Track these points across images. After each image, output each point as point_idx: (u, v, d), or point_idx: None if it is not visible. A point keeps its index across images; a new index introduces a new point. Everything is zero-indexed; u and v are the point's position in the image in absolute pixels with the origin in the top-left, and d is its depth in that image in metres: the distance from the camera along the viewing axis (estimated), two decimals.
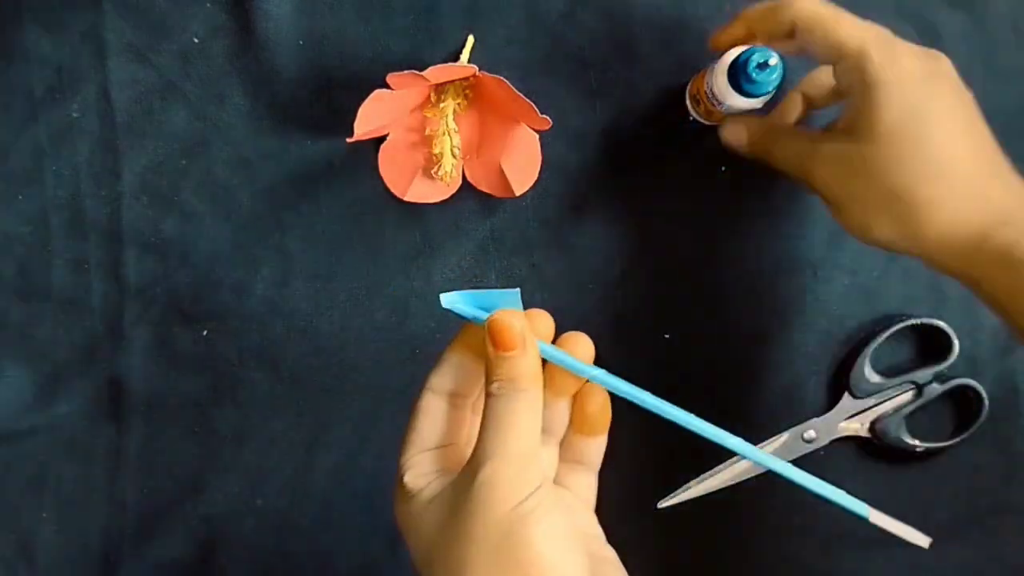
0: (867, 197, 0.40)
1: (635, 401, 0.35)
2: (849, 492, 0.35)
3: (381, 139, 0.50)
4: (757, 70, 0.44)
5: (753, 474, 0.51)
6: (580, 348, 0.35)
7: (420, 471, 0.34)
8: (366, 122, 0.47)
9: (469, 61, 0.51)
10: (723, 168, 0.53)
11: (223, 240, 0.52)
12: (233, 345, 0.52)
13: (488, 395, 0.32)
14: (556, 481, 0.37)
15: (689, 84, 0.51)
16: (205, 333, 0.52)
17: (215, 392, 0.52)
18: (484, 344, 0.33)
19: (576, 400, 0.36)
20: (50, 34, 0.52)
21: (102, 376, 0.52)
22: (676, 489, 0.52)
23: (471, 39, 0.52)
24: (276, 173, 0.52)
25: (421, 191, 0.51)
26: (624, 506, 0.52)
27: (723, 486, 0.51)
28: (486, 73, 0.46)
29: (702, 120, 0.51)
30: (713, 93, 0.47)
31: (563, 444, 0.37)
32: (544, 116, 0.46)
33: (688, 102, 0.51)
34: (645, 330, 0.52)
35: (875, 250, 0.54)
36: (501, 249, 0.52)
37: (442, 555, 0.31)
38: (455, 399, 0.35)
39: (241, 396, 0.52)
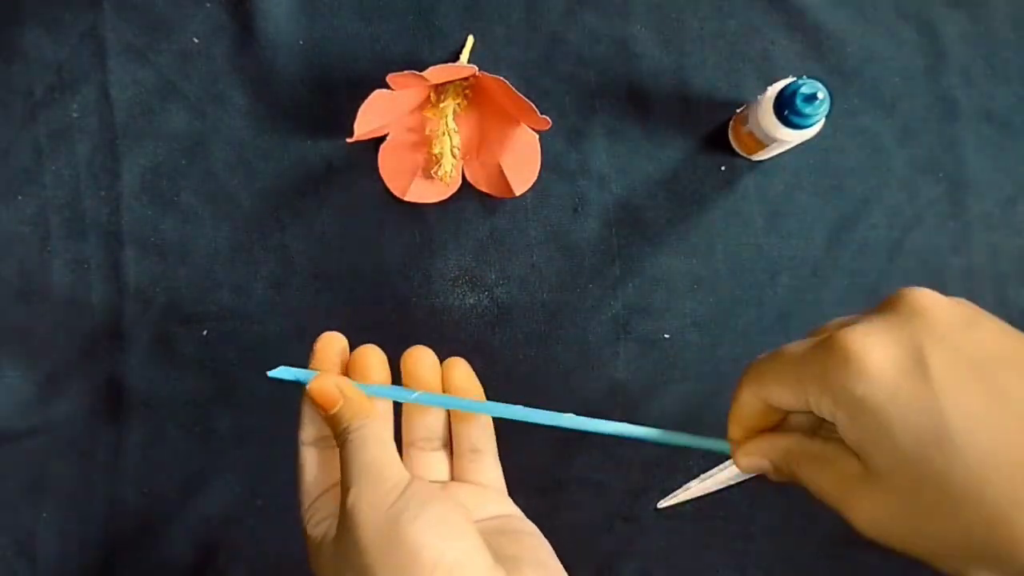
0: (947, 541, 0.29)
1: (459, 408, 0.37)
2: None
3: (381, 139, 0.50)
4: (805, 103, 0.44)
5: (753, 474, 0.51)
6: (373, 361, 0.37)
7: (318, 518, 0.35)
8: (366, 122, 0.47)
9: (469, 61, 0.51)
10: (723, 168, 0.53)
11: (223, 240, 0.52)
12: (233, 345, 0.52)
13: (338, 445, 0.35)
14: (459, 477, 0.38)
15: (732, 119, 0.51)
16: (205, 333, 0.52)
17: (215, 392, 0.52)
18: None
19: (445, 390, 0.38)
20: (50, 34, 0.52)
21: (102, 376, 0.51)
22: (676, 489, 0.52)
23: (471, 39, 0.52)
24: (276, 173, 0.52)
25: (421, 191, 0.51)
26: (624, 506, 0.52)
27: (723, 486, 0.51)
28: (486, 73, 0.46)
29: (746, 155, 0.51)
30: (761, 127, 0.47)
31: (453, 440, 0.38)
32: (544, 116, 0.46)
33: (731, 135, 0.52)
34: (645, 330, 0.52)
35: (875, 250, 0.54)
36: (501, 249, 0.52)
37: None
38: (323, 442, 0.37)
39: (241, 396, 0.52)
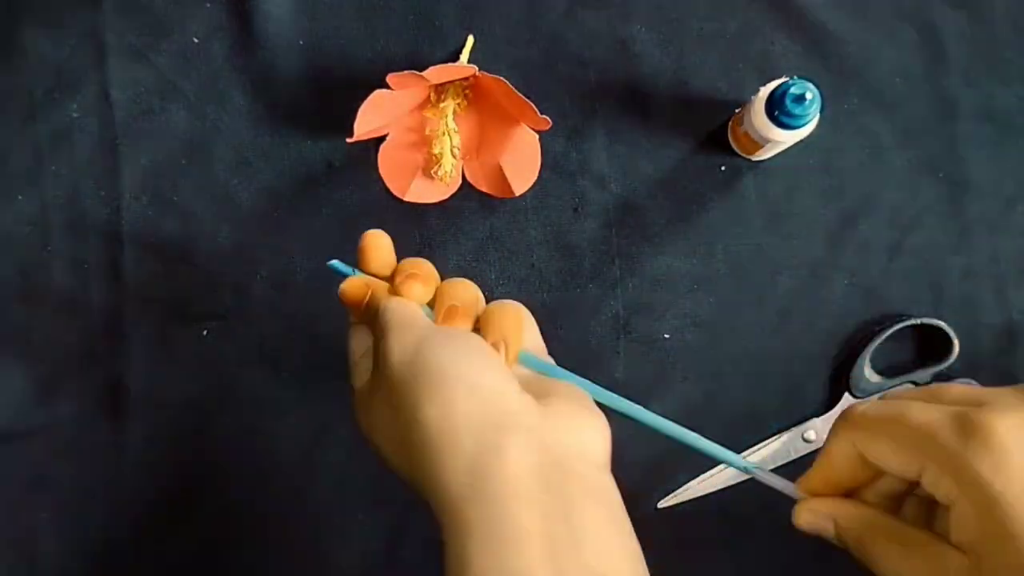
0: None
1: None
2: None
3: (381, 139, 0.50)
4: (794, 103, 0.44)
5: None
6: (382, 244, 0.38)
7: (359, 372, 0.37)
8: (366, 122, 0.47)
9: (469, 61, 0.51)
10: (722, 168, 0.53)
11: (223, 240, 0.52)
12: (233, 345, 0.52)
13: (376, 326, 0.35)
14: None
15: (731, 120, 0.51)
16: (205, 333, 0.52)
17: (215, 392, 0.52)
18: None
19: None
20: (50, 34, 0.52)
21: (102, 376, 0.51)
22: (676, 489, 0.52)
23: (471, 39, 0.52)
24: (276, 173, 0.52)
25: (421, 191, 0.51)
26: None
27: (723, 486, 0.51)
28: (486, 73, 0.46)
29: (745, 155, 0.51)
30: (754, 127, 0.47)
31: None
32: (544, 116, 0.46)
33: (730, 135, 0.52)
34: (645, 330, 0.52)
35: (875, 250, 0.54)
36: (501, 249, 0.52)
37: (390, 414, 0.32)
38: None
39: (241, 396, 0.52)
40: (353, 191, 0.52)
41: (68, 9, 0.52)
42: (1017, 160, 0.54)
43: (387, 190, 0.51)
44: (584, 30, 0.53)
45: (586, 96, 0.53)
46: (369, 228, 0.53)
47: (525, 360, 0.35)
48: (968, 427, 0.27)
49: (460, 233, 0.52)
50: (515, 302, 0.36)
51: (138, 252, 0.52)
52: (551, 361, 0.36)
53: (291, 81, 0.52)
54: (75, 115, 0.52)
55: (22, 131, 0.52)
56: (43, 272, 0.52)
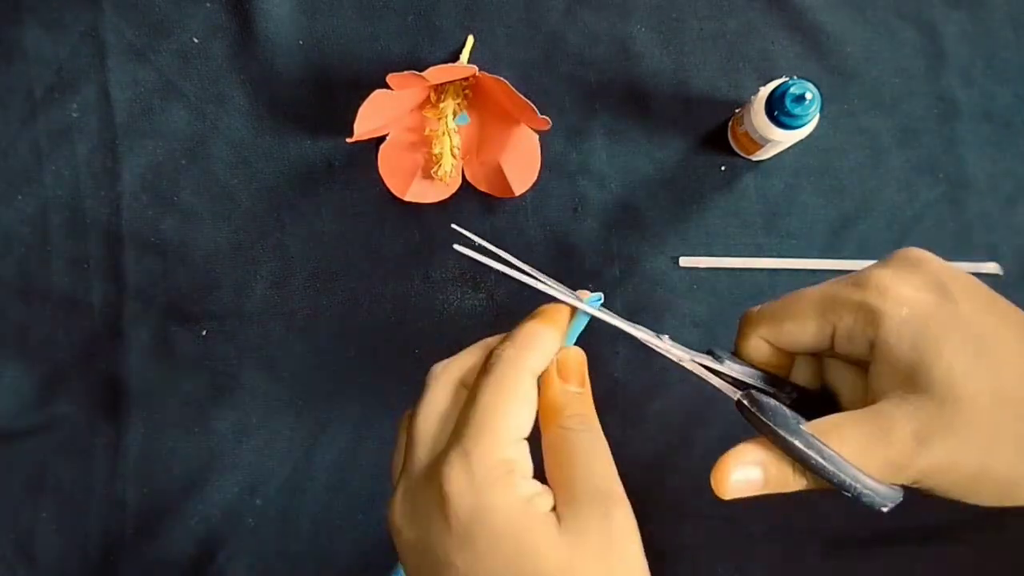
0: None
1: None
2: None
3: (381, 139, 0.50)
4: (794, 103, 0.44)
5: None
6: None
7: (428, 445, 0.33)
8: (366, 122, 0.47)
9: (469, 61, 0.51)
10: (722, 167, 0.53)
11: (223, 240, 0.52)
12: (233, 345, 0.52)
13: (562, 428, 0.32)
14: None
15: (731, 119, 0.52)
16: (204, 333, 0.52)
17: (215, 392, 0.52)
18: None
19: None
20: (50, 34, 0.52)
21: (102, 376, 0.51)
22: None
23: (471, 39, 0.52)
24: (276, 173, 0.52)
25: (421, 191, 0.51)
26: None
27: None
28: (486, 73, 0.46)
29: (745, 155, 0.52)
30: (754, 127, 0.47)
31: None
32: (544, 116, 0.46)
33: (730, 135, 0.52)
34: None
35: (875, 250, 0.54)
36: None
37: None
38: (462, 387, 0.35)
39: (241, 396, 0.52)
40: (353, 191, 0.52)
41: (68, 9, 0.52)
42: (1017, 160, 0.54)
43: (387, 190, 0.51)
44: (584, 30, 0.53)
45: (586, 96, 0.53)
46: (369, 228, 0.53)
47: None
48: (861, 281, 0.33)
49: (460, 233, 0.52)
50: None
51: (138, 252, 0.52)
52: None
53: (291, 81, 0.52)
54: (75, 115, 0.52)
55: (22, 131, 0.52)
56: (43, 272, 0.52)
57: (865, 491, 0.31)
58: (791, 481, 0.34)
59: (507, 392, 0.31)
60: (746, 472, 0.33)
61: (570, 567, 0.29)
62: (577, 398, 0.33)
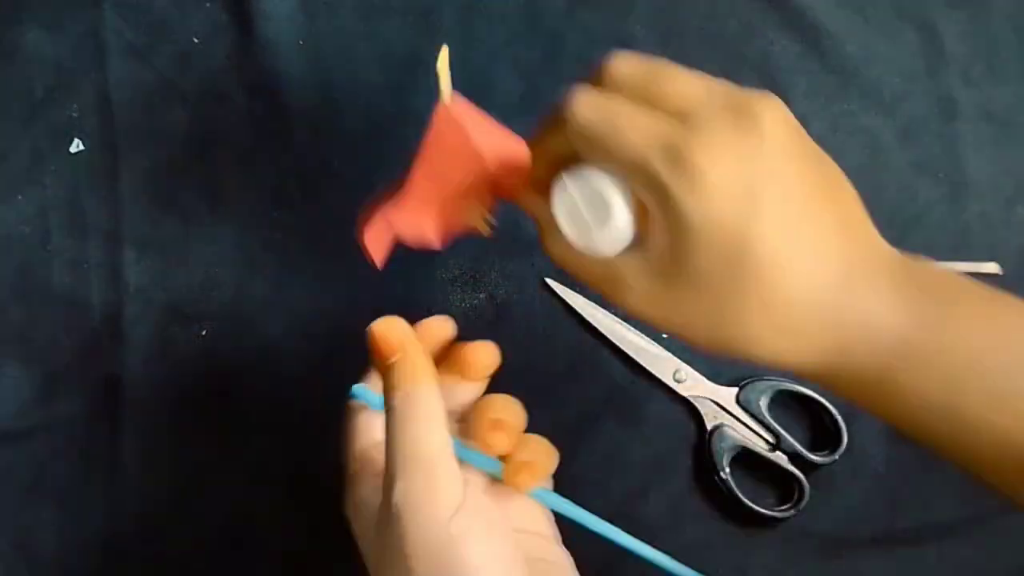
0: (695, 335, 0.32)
1: (576, 519, 0.36)
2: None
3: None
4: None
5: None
6: (481, 355, 0.36)
7: (372, 470, 0.34)
8: (378, 248, 0.40)
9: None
10: None
11: (223, 240, 0.52)
12: (233, 345, 0.52)
13: (386, 410, 0.32)
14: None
15: None
16: (204, 333, 0.52)
17: (215, 392, 0.52)
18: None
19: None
20: (50, 34, 0.52)
21: (102, 376, 0.51)
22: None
23: (444, 51, 0.37)
24: (276, 173, 0.52)
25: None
26: (624, 506, 0.52)
27: None
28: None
29: None
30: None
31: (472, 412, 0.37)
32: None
33: None
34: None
35: None
36: (501, 249, 0.52)
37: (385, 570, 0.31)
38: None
39: (241, 396, 0.52)
40: (353, 191, 0.52)
41: (68, 9, 0.52)
42: (1017, 160, 0.54)
43: (387, 190, 0.51)
44: (584, 30, 0.53)
45: None
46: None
47: (540, 496, 0.35)
48: (677, 159, 0.29)
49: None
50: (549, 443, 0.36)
51: (138, 252, 0.52)
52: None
53: (291, 81, 0.52)
54: (75, 115, 0.52)
55: (22, 131, 0.52)
56: (43, 272, 0.52)
57: None
58: None
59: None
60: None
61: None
62: (388, 371, 0.33)
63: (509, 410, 0.35)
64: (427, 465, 0.30)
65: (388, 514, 0.30)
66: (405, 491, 0.30)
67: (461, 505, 0.30)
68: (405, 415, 0.31)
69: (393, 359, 0.33)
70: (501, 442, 0.34)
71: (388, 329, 0.34)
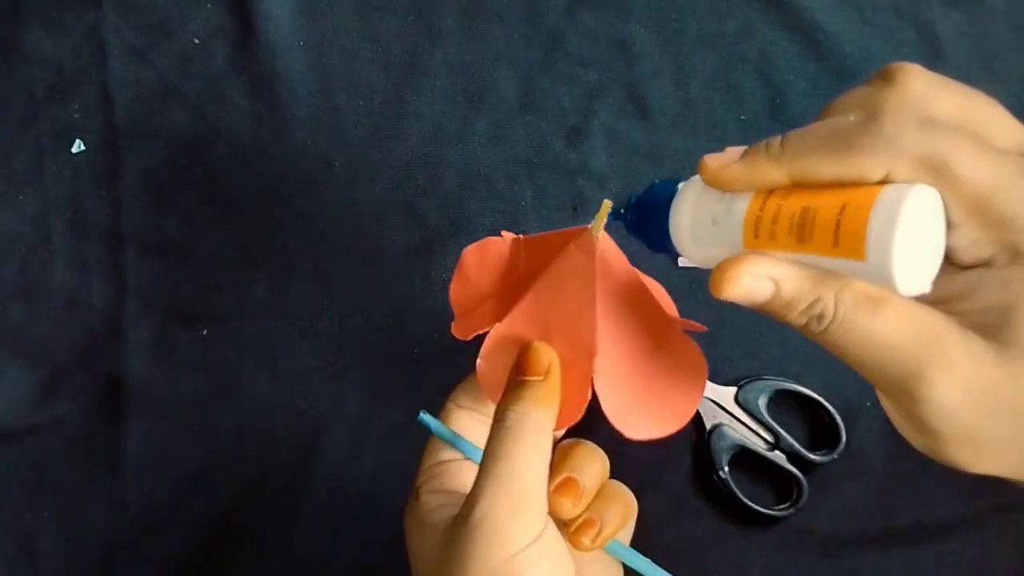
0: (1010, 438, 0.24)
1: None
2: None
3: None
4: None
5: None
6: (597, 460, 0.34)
7: (436, 486, 0.33)
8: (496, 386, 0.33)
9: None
10: None
11: (223, 240, 0.52)
12: (233, 345, 0.52)
13: (496, 422, 0.31)
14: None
15: None
16: (205, 333, 0.52)
17: (215, 391, 0.52)
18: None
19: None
20: (50, 34, 0.52)
21: (102, 376, 0.51)
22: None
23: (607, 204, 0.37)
24: (276, 173, 0.52)
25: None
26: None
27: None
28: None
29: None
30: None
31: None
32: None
33: None
34: None
35: None
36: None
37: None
38: (471, 411, 0.35)
39: (241, 396, 0.52)
40: (353, 191, 0.52)
41: (68, 9, 0.52)
42: None
43: (387, 189, 0.51)
44: (584, 30, 0.53)
45: (586, 96, 0.53)
46: (369, 228, 0.53)
47: (613, 550, 0.34)
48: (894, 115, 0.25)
49: (460, 233, 0.52)
50: (630, 493, 0.34)
51: (138, 252, 0.52)
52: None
53: (291, 81, 0.52)
54: (75, 115, 0.52)
55: (23, 131, 0.52)
56: (43, 272, 0.52)
57: None
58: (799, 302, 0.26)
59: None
60: (757, 283, 0.27)
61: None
62: (520, 387, 0.31)
63: (586, 469, 0.33)
64: (518, 491, 0.29)
65: (462, 528, 0.29)
66: (487, 511, 0.29)
67: (535, 540, 0.29)
68: (516, 434, 0.30)
69: (532, 377, 0.31)
70: (564, 509, 0.32)
71: (546, 351, 0.32)
